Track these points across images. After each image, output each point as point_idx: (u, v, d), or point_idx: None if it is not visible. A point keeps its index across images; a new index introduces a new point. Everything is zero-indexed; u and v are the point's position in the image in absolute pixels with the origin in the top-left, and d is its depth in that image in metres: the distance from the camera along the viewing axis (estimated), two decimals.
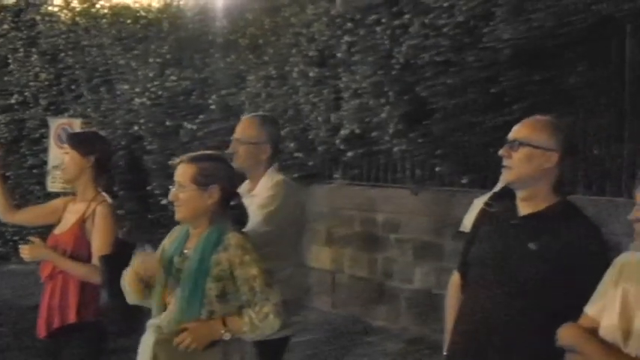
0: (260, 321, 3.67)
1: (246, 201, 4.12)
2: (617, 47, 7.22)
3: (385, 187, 9.37)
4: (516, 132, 3.44)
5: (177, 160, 3.87)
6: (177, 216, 3.85)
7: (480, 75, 7.55)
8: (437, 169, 8.43)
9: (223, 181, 3.85)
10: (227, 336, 3.67)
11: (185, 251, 3.84)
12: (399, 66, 8.23)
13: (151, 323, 3.85)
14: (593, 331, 2.96)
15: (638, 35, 7.07)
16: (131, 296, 3.98)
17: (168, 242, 4.01)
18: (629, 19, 7.07)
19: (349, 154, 9.36)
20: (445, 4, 7.88)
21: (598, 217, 6.40)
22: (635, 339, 2.81)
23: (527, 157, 3.35)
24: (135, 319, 4.31)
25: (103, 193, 5.01)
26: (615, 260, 3.05)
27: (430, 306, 8.26)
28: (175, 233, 4.02)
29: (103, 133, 9.33)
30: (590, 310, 3.02)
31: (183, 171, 3.81)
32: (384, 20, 8.55)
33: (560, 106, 7.32)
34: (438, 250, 8.39)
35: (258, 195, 4.57)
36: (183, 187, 3.78)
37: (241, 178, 4.67)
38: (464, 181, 8.14)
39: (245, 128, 4.76)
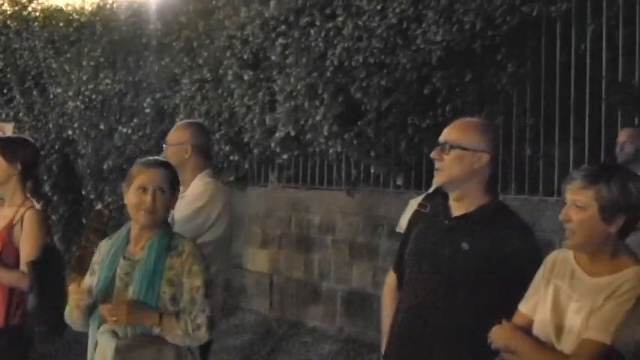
0: (193, 330, 3.64)
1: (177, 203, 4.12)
2: (547, 48, 7.27)
3: (320, 189, 9.34)
4: (446, 134, 3.43)
5: (152, 161, 3.85)
6: (151, 219, 3.74)
7: (412, 76, 7.53)
8: (371, 169, 8.40)
9: (177, 185, 3.90)
10: (157, 331, 3.62)
11: (131, 256, 3.77)
12: (333, 68, 8.17)
13: (104, 329, 3.73)
14: (527, 328, 2.96)
15: (567, 36, 7.11)
16: (78, 325, 3.88)
17: (100, 256, 3.90)
18: (558, 20, 7.12)
19: (284, 156, 9.31)
20: (378, 7, 7.86)
21: (530, 216, 6.50)
22: (567, 335, 2.83)
23: (458, 158, 3.35)
24: (63, 323, 4.20)
25: (32, 199, 4.87)
26: (547, 258, 3.06)
27: (366, 306, 8.23)
28: (106, 246, 3.91)
29: (35, 137, 9.19)
30: (524, 307, 3.03)
31: (161, 175, 3.77)
32: (317, 22, 8.48)
33: (492, 106, 7.37)
34: (373, 250, 8.38)
35: (188, 195, 4.64)
36: (164, 192, 3.74)
37: None
38: (398, 181, 8.15)
39: (171, 133, 4.97)
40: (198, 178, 4.78)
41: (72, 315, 3.83)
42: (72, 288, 3.75)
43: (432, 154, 3.43)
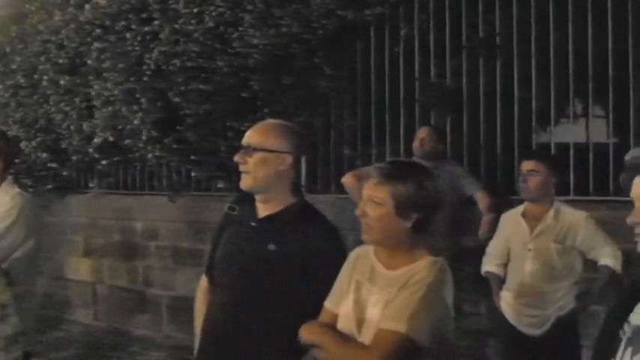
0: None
1: None
2: (363, 51, 7.28)
3: (142, 195, 9.13)
4: (249, 137, 3.37)
5: None
6: None
7: (230, 80, 7.40)
8: (192, 174, 8.25)
9: None
10: None
11: None
12: (151, 72, 7.92)
13: None
14: (333, 324, 2.96)
15: (382, 39, 7.14)
16: None
17: None
18: (373, 24, 7.15)
19: (104, 162, 9.02)
20: (194, 10, 7.64)
21: (352, 215, 6.46)
22: (367, 327, 2.83)
23: (262, 161, 3.30)
24: None
25: None
26: (350, 254, 3.05)
27: (192, 312, 8.01)
28: None
29: None
30: (329, 304, 3.01)
31: None
32: (133, 26, 8.20)
33: (311, 109, 7.34)
34: (197, 255, 8.18)
35: None
36: None
37: None
38: (220, 185, 8.01)
39: None
40: (3, 191, 4.42)
41: None
42: None
43: (236, 158, 3.35)
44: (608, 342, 2.18)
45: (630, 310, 2.16)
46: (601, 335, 2.26)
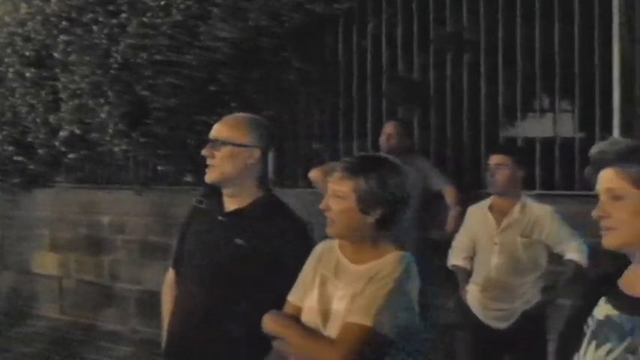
0: None
1: None
2: (331, 45, 7.27)
3: (109, 189, 9.06)
4: (217, 131, 3.35)
5: None
6: None
7: (198, 73, 7.34)
8: (160, 168, 8.20)
9: None
10: None
11: None
12: (118, 65, 7.83)
13: None
14: (296, 318, 2.94)
15: (350, 34, 7.14)
16: None
17: None
18: (341, 19, 7.16)
19: (70, 156, 8.90)
20: (162, 3, 7.57)
21: (319, 209, 6.47)
22: (332, 322, 2.82)
23: (230, 155, 3.29)
24: None
25: None
26: (315, 248, 3.04)
27: (160, 306, 7.99)
28: None
29: None
30: (293, 297, 2.99)
31: None
32: (101, 19, 8.11)
33: (280, 102, 7.33)
34: (164, 249, 8.11)
35: None
36: None
37: None
38: (188, 179, 7.97)
39: None
40: None
41: None
42: None
43: (204, 152, 3.33)
44: (573, 336, 2.18)
45: (594, 304, 2.16)
46: (565, 329, 2.26)
